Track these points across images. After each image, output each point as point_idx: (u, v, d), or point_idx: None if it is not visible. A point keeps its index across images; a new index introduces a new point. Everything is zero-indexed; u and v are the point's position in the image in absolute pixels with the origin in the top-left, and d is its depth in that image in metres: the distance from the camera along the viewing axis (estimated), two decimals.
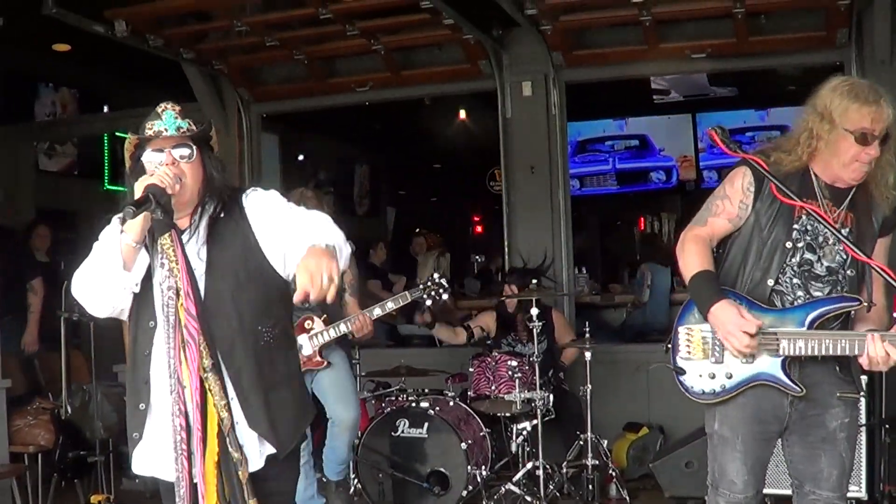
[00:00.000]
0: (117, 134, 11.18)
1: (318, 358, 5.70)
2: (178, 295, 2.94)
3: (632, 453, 7.35)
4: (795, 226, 3.46)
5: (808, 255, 3.46)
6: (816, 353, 3.33)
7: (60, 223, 10.28)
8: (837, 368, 3.47)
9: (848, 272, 3.47)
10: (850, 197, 3.47)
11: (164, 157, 3.07)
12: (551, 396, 6.70)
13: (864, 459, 5.94)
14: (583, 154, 14.49)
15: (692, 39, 7.98)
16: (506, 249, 8.83)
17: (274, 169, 10.15)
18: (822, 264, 3.46)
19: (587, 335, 6.76)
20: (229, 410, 2.96)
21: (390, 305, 5.91)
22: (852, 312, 3.44)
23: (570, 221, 8.76)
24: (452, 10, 7.33)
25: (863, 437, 5.94)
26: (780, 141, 3.58)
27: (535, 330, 6.64)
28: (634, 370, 7.45)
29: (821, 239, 3.45)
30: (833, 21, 7.39)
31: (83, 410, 6.52)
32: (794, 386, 3.39)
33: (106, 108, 11.25)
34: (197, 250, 3.10)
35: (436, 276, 6.05)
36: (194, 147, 3.12)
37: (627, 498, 6.64)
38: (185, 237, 3.08)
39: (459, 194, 19.12)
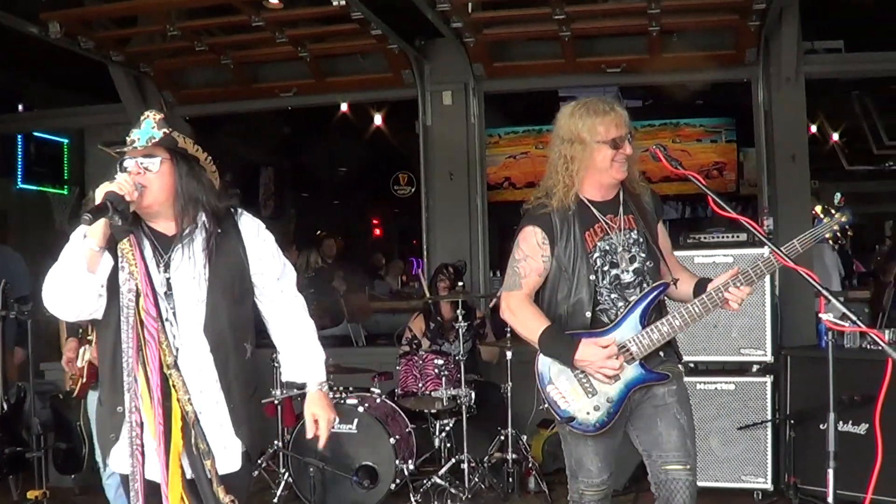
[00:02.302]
0: (33, 133, 11.15)
1: None
2: (137, 296, 3.12)
3: (547, 448, 7.58)
4: (594, 255, 3.83)
5: (613, 272, 3.84)
6: (661, 341, 3.75)
7: None
8: (661, 353, 3.86)
9: (648, 264, 3.87)
10: (620, 205, 3.89)
11: (132, 166, 3.22)
12: (474, 394, 6.96)
13: (769, 452, 6.37)
14: None
15: (608, 54, 8.35)
16: (425, 253, 9.09)
17: None
18: (627, 272, 3.85)
19: (508, 334, 7.04)
20: (192, 404, 3.17)
21: None
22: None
23: (486, 226, 9.06)
24: (381, 21, 7.55)
25: (768, 432, 6.38)
26: (542, 186, 3.93)
27: (460, 329, 6.93)
28: None
29: (620, 249, 3.84)
30: (742, 40, 7.83)
31: (19, 407, 6.56)
32: (660, 375, 3.81)
33: (21, 108, 11.13)
34: (194, 264, 3.27)
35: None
36: (162, 157, 3.23)
37: (546, 490, 6.94)
38: (178, 247, 3.27)
39: (362, 198, 19.31)
